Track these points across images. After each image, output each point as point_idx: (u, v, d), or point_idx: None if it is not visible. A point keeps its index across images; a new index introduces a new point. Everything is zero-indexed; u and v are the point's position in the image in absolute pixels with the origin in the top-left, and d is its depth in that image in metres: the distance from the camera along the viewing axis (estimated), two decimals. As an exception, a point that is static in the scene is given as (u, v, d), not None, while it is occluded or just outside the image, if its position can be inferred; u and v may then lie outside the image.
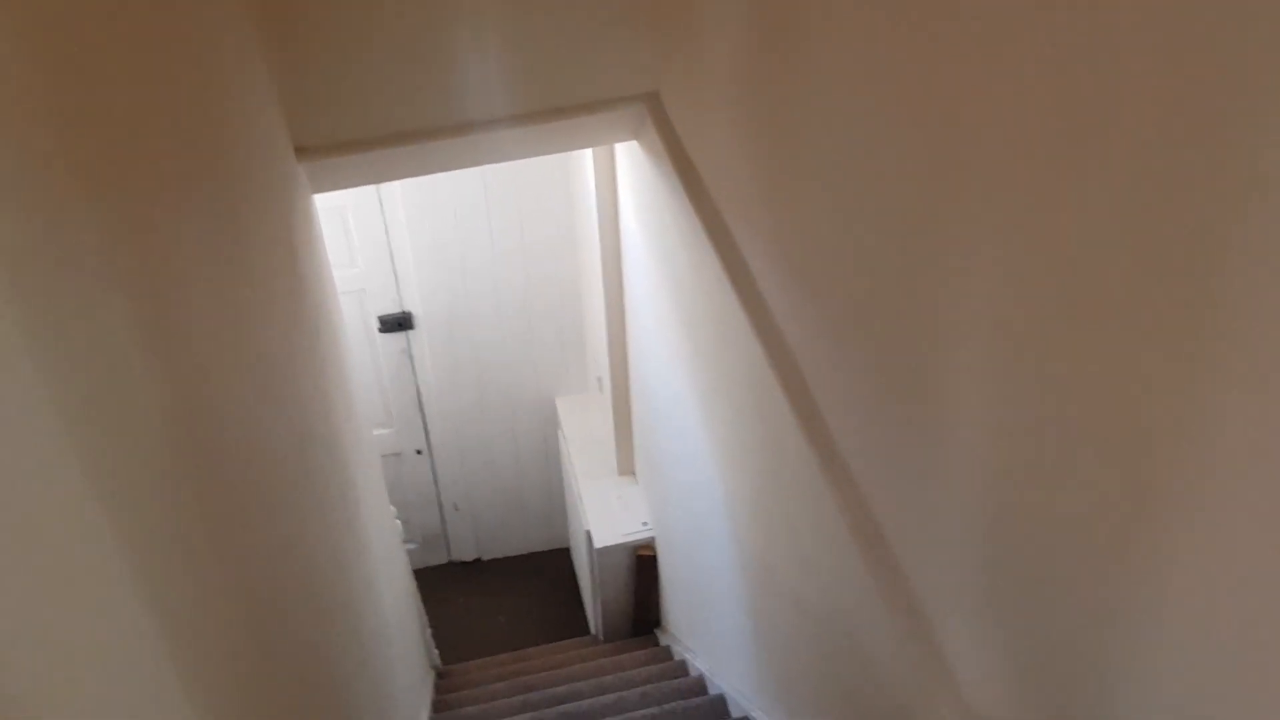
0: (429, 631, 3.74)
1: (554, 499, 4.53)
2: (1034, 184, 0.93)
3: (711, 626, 2.85)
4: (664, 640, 3.66)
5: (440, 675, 3.76)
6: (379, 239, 3.68)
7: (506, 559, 4.69)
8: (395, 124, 2.23)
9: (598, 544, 3.51)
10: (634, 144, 2.53)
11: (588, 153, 3.00)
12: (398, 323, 3.87)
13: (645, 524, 3.56)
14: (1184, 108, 0.72)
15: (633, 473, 3.79)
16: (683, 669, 3.16)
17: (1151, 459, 0.83)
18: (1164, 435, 0.81)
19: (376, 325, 3.87)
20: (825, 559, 1.67)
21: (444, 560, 4.66)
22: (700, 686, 2.94)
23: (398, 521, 3.34)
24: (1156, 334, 0.80)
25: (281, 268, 1.83)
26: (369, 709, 2.11)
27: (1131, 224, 0.80)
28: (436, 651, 3.82)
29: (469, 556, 4.65)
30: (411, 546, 4.49)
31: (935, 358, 1.18)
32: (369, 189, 3.52)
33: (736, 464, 2.19)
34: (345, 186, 2.75)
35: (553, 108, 2.27)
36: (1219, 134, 0.70)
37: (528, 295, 3.93)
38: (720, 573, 2.56)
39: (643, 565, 3.55)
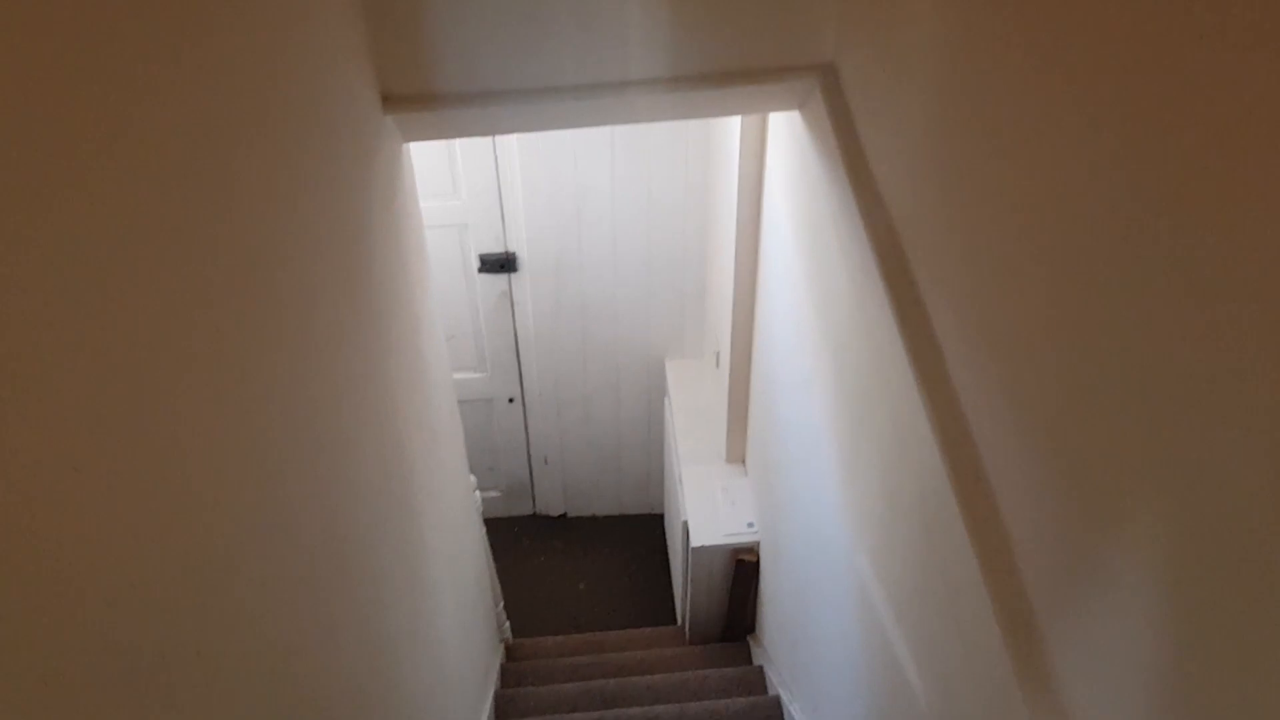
0: (501, 605, 3.46)
1: (653, 464, 4.17)
2: None
3: (814, 677, 2.46)
4: (757, 657, 3.30)
5: (510, 654, 3.51)
6: (488, 174, 3.27)
7: (594, 518, 4.38)
8: (511, 79, 1.79)
9: (695, 542, 3.13)
10: (795, 114, 2.04)
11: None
12: (500, 264, 3.48)
13: (750, 525, 3.16)
14: None
15: (743, 461, 3.38)
16: (776, 709, 2.80)
17: None
18: None
19: (476, 264, 3.50)
20: (958, 659, 1.26)
21: (529, 512, 4.37)
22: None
23: (476, 494, 3.02)
24: None
25: (343, 234, 1.46)
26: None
27: None
28: (509, 624, 3.55)
29: (555, 512, 4.35)
30: (494, 495, 4.22)
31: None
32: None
33: (866, 506, 1.76)
34: (450, 137, 2.35)
35: (707, 73, 1.80)
36: None
37: (648, 252, 3.49)
38: (832, 618, 2.15)
39: (742, 571, 3.17)
